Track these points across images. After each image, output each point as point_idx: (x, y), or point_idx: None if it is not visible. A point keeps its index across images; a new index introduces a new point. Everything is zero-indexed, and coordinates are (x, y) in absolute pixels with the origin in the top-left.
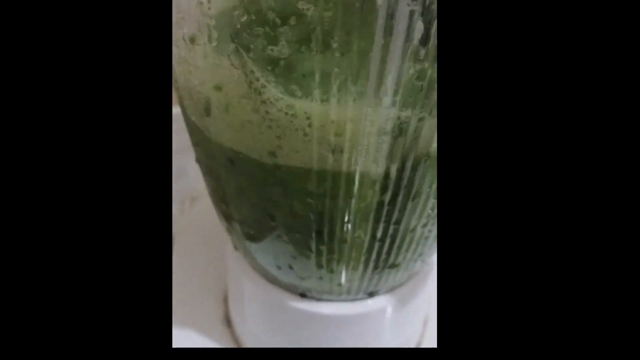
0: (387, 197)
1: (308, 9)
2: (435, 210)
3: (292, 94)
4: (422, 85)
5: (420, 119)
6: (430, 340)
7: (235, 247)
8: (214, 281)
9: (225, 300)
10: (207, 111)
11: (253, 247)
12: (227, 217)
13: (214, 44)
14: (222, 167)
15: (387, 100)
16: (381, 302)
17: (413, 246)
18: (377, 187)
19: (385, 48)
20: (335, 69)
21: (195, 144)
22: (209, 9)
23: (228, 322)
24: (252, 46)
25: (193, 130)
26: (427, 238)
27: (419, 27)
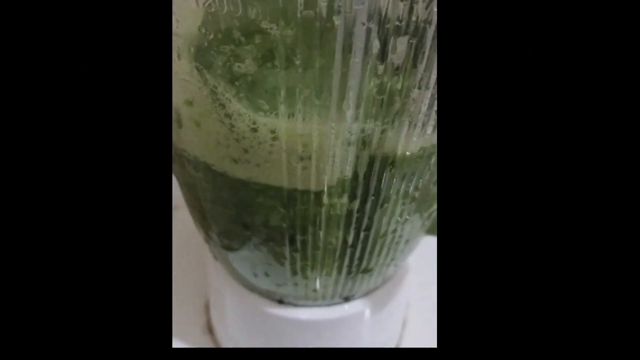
0: (356, 205)
1: (271, 28)
2: (404, 216)
3: (257, 109)
4: (382, 98)
5: (383, 130)
6: (409, 342)
7: (215, 257)
8: (195, 289)
9: (207, 308)
10: (179, 123)
11: (230, 256)
12: (204, 227)
13: (182, 61)
14: (196, 178)
15: (349, 113)
16: (357, 306)
17: (385, 251)
18: (345, 195)
19: (345, 64)
20: (299, 85)
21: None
22: (177, 27)
23: (210, 329)
24: (219, 63)
25: None
26: (397, 243)
27: (376, 44)
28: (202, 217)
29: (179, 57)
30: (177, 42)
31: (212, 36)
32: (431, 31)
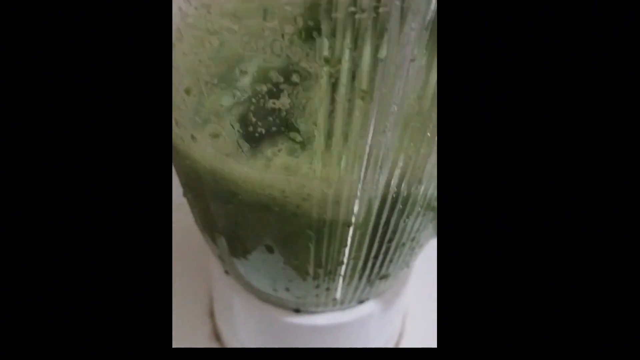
0: (382, 220)
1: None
2: (424, 224)
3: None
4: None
5: (413, 158)
6: (410, 332)
7: (227, 272)
8: (197, 296)
9: (212, 315)
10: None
11: (248, 273)
12: (212, 237)
13: (208, 98)
14: (216, 202)
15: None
16: (370, 307)
17: (403, 257)
18: (373, 216)
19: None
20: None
21: (186, 179)
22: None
23: (217, 336)
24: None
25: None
26: (413, 248)
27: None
28: (216, 239)
29: (205, 94)
30: (207, 82)
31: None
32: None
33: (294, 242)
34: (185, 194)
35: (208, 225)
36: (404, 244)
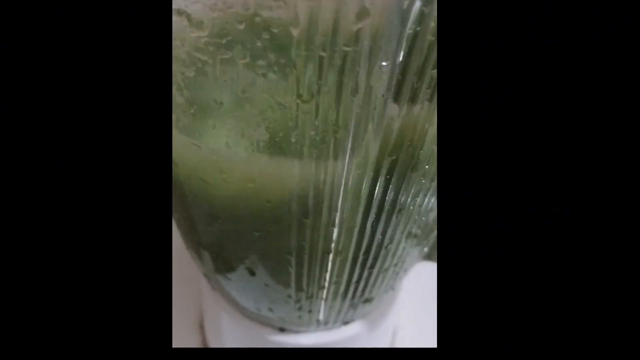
0: (362, 249)
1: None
2: (407, 250)
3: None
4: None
5: (392, 184)
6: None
7: (213, 287)
8: (189, 306)
9: (202, 327)
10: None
11: (232, 292)
12: (198, 253)
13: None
14: (201, 222)
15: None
16: (356, 328)
17: (386, 281)
18: (353, 242)
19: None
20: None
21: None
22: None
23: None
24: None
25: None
26: (397, 273)
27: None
28: (200, 256)
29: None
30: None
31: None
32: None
33: (274, 266)
34: (173, 217)
35: (195, 244)
36: (386, 269)
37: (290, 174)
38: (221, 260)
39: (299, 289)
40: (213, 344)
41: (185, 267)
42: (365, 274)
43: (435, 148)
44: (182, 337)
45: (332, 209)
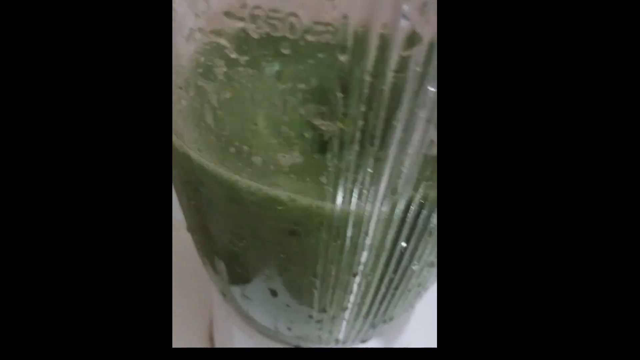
0: (390, 270)
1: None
2: (430, 270)
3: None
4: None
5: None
6: None
7: (225, 301)
8: (198, 319)
9: (211, 339)
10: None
11: (249, 309)
12: (214, 266)
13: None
14: (225, 240)
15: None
16: (372, 345)
17: (408, 301)
18: (382, 263)
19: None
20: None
21: (191, 203)
22: None
23: None
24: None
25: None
26: (419, 292)
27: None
28: (217, 271)
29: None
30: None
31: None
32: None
33: (298, 288)
34: (188, 228)
35: (208, 256)
36: (410, 290)
37: (322, 197)
38: (242, 279)
39: (321, 310)
40: None
41: (194, 278)
42: (389, 295)
43: None
44: (192, 345)
45: (362, 232)
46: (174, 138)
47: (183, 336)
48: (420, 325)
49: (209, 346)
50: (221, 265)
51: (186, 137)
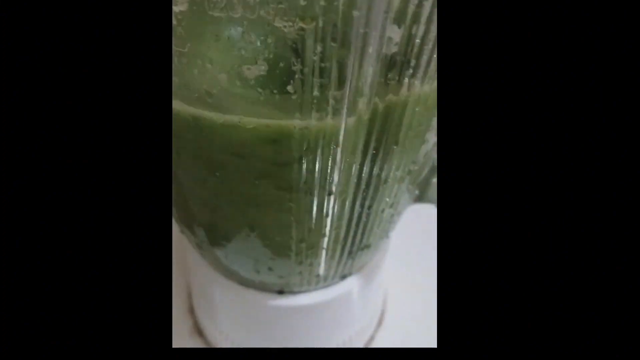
0: (362, 187)
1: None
2: (402, 189)
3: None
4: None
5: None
6: (392, 309)
7: (202, 256)
8: (175, 294)
9: (191, 310)
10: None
11: (229, 257)
12: (190, 227)
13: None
14: (197, 180)
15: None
16: (352, 282)
17: (382, 225)
18: (353, 180)
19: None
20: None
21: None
22: None
23: (199, 331)
24: None
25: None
26: (392, 215)
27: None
28: (194, 230)
29: None
30: None
31: None
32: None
33: (276, 216)
34: None
35: (186, 216)
36: (383, 210)
37: (293, 109)
38: (218, 227)
39: (300, 240)
40: (206, 324)
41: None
42: (364, 216)
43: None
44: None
45: (333, 143)
46: None
47: None
48: (420, 325)
49: (190, 319)
50: (197, 212)
51: None
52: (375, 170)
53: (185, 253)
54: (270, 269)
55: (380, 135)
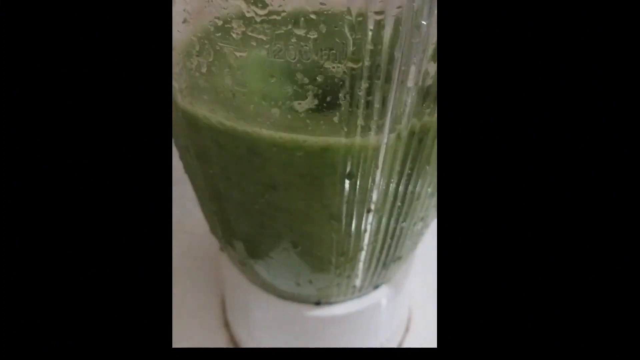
0: (398, 203)
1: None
2: (431, 205)
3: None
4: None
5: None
6: (416, 315)
7: (242, 271)
8: (209, 309)
9: (227, 325)
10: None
11: (270, 271)
12: (232, 243)
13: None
14: (242, 203)
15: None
16: (383, 292)
17: (413, 238)
18: (390, 196)
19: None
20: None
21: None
22: None
23: (235, 345)
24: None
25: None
26: (421, 228)
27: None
28: (234, 245)
29: None
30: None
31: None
32: None
33: (319, 233)
34: (201, 203)
35: (230, 233)
36: (415, 224)
37: (339, 135)
38: (259, 242)
39: (340, 254)
40: (242, 337)
41: (203, 271)
42: (398, 230)
43: None
44: (207, 340)
45: (373, 166)
46: (189, 106)
47: (198, 329)
48: (420, 323)
49: (226, 333)
50: (242, 229)
51: (206, 103)
52: (410, 188)
53: (219, 270)
54: (310, 281)
55: (415, 155)
